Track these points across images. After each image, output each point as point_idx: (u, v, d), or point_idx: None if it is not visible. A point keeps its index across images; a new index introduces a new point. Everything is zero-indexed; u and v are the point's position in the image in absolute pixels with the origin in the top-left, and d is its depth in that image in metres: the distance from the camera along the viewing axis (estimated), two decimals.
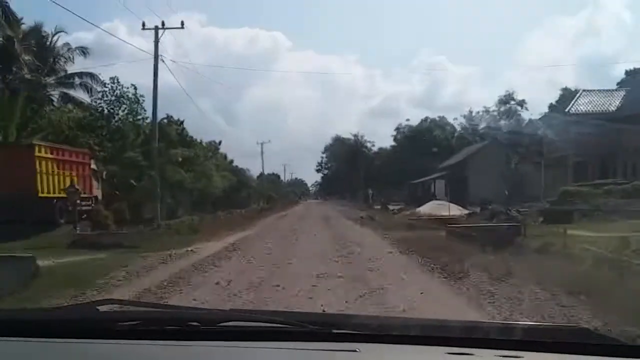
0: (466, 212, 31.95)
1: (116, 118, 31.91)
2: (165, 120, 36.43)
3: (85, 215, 22.31)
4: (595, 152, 32.77)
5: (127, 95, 31.49)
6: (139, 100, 31.41)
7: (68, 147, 24.89)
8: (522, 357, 1.55)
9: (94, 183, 24.91)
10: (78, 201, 20.89)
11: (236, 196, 55.62)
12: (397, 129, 75.55)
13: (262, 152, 71.65)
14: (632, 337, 1.70)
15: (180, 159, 29.49)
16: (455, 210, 32.43)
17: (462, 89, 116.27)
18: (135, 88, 31.73)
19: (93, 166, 24.93)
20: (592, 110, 36.68)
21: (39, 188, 21.09)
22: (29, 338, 1.75)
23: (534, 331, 1.87)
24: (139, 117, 31.39)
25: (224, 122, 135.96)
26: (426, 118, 69.15)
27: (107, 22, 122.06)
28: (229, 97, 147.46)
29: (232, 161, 54.23)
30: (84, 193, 24.10)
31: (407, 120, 75.27)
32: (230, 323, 1.82)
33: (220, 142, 50.86)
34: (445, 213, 31.62)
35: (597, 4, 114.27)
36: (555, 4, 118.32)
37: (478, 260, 11.60)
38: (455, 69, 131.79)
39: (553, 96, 74.07)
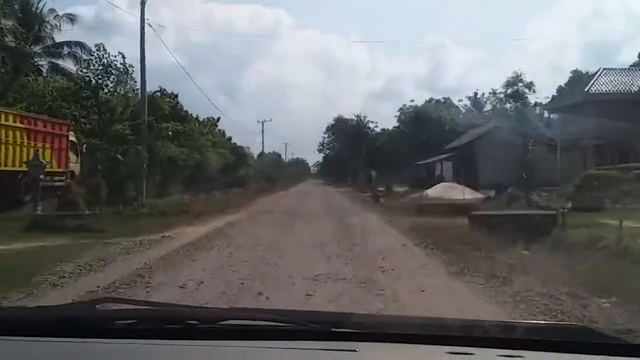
0: (480, 195, 29.44)
1: (105, 90, 29.22)
2: (158, 94, 33.80)
3: (59, 193, 19.74)
4: (617, 135, 30.08)
5: (115, 65, 28.76)
6: (127, 70, 28.66)
7: (43, 116, 22.29)
8: (524, 356, 1.51)
9: (72, 157, 22.28)
10: (42, 176, 18.28)
11: (234, 175, 53.12)
12: (401, 109, 72.66)
13: (262, 131, 68.89)
14: (633, 335, 1.68)
15: (170, 133, 26.74)
16: (467, 194, 29.94)
17: (465, 72, 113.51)
18: (124, 57, 28.92)
19: (72, 138, 22.30)
20: (613, 90, 33.88)
21: (2, 160, 18.53)
22: (26, 337, 1.70)
23: (535, 330, 1.78)
24: (128, 87, 28.66)
25: (226, 100, 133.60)
26: (430, 99, 65.97)
27: None
28: (229, 75, 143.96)
29: (230, 138, 51.56)
30: (59, 167, 21.54)
31: (412, 101, 72.40)
32: (230, 321, 1.79)
33: (218, 119, 48.19)
34: (458, 196, 29.15)
35: None
36: None
37: (523, 261, 9.09)
38: (459, 51, 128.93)
39: (560, 79, 71.67)
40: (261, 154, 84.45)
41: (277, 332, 1.72)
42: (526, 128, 45.09)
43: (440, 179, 42.44)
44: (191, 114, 37.01)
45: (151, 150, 25.89)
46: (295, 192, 51.81)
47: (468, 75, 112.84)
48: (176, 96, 34.14)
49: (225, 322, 1.78)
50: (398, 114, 73.06)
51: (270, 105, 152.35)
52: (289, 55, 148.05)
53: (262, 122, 69.16)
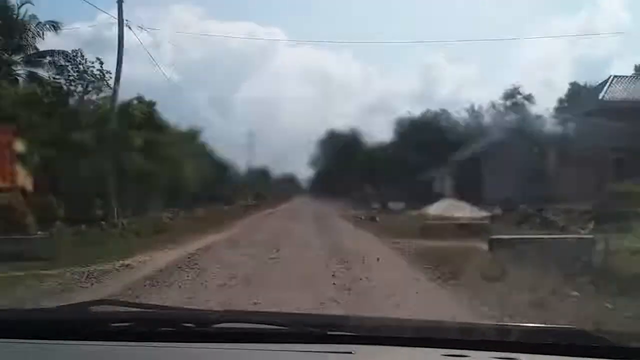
0: (485, 213, 27.09)
1: (75, 96, 26.79)
2: (135, 102, 31.34)
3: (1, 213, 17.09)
4: (637, 144, 27.84)
5: (91, 71, 26.38)
6: (104, 76, 26.23)
7: None
8: (518, 358, 1.53)
9: (20, 170, 19.65)
10: None
11: (220, 191, 50.55)
12: (396, 121, 70.45)
13: (249, 144, 66.31)
14: (628, 339, 1.68)
15: (141, 144, 24.21)
16: (472, 211, 27.64)
17: (458, 87, 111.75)
18: (101, 63, 26.57)
19: (19, 148, 19.68)
20: (628, 98, 31.78)
21: None
22: (21, 339, 1.71)
23: (530, 333, 1.80)
24: (102, 95, 26.24)
25: (217, 114, 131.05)
26: (427, 110, 63.74)
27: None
28: (222, 90, 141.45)
29: (213, 151, 48.86)
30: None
31: (408, 112, 70.08)
32: (225, 324, 1.78)
33: (201, 130, 45.55)
34: (462, 214, 26.83)
35: (594, 4, 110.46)
36: (553, 5, 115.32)
37: (585, 309, 6.64)
38: (451, 67, 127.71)
39: (552, 95, 70.48)
40: (249, 170, 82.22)
41: (273, 335, 1.70)
42: (532, 139, 42.99)
43: (441, 195, 40.15)
44: (170, 125, 34.49)
45: (118, 162, 23.36)
46: (284, 209, 49.34)
47: (460, 90, 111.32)
48: (154, 104, 31.68)
49: (221, 325, 1.76)
50: (394, 126, 70.88)
51: (261, 120, 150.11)
52: (281, 72, 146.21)
53: (249, 135, 66.49)
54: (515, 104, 70.76)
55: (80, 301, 3.08)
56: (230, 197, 56.03)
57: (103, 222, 20.03)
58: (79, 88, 27.51)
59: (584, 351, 1.57)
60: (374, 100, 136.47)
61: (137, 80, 36.89)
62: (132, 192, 26.61)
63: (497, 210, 27.16)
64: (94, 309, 2.03)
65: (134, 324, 1.78)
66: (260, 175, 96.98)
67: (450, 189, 41.24)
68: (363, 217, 29.78)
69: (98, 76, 26.01)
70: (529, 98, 71.34)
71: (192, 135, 44.73)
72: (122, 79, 25.24)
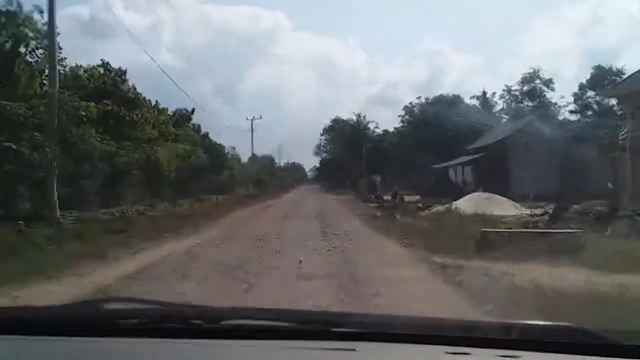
0: (535, 211, 20.84)
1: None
2: (100, 69, 25.16)
3: None
4: None
5: (28, 23, 20.22)
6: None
7: None
8: (520, 356, 1.51)
9: None
10: None
11: (215, 179, 44.54)
12: (406, 108, 63.83)
13: (252, 129, 59.91)
14: (629, 336, 1.64)
15: (93, 117, 17.98)
16: (517, 209, 21.50)
17: (464, 78, 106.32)
18: (41, 11, 20.32)
19: None
20: None
21: None
22: (32, 336, 1.69)
23: (533, 330, 1.72)
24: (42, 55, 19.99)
25: (221, 102, 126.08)
26: (440, 95, 56.18)
27: None
28: (226, 77, 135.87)
29: (206, 135, 42.42)
30: None
31: (418, 98, 63.32)
32: (233, 321, 1.76)
33: (192, 111, 39.32)
34: (504, 212, 20.68)
35: None
36: None
37: None
38: (457, 56, 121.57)
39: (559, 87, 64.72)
40: (252, 157, 76.06)
41: (279, 331, 1.69)
42: (564, 127, 36.72)
43: (464, 187, 33.91)
44: (146, 99, 28.36)
45: (65, 142, 17.28)
46: (286, 200, 43.14)
47: (466, 81, 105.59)
48: (123, 73, 25.52)
49: (229, 322, 1.74)
50: (403, 113, 64.32)
51: (266, 108, 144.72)
52: (286, 58, 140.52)
53: (252, 120, 60.13)
54: (533, 90, 64.33)
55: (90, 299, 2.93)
56: (226, 186, 50.08)
57: (22, 222, 13.92)
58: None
59: (585, 349, 1.53)
60: (380, 89, 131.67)
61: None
62: (90, 181, 20.53)
63: (528, 204, 20.90)
64: (104, 305, 1.99)
65: (143, 321, 1.74)
66: (265, 163, 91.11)
67: (471, 180, 34.92)
68: (379, 214, 23.56)
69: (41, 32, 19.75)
70: (548, 83, 64.78)
71: (181, 116, 38.75)
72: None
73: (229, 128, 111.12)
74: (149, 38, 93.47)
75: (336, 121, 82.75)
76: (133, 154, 22.60)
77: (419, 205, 27.27)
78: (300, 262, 9.59)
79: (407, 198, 35.72)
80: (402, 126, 63.85)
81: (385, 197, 40.85)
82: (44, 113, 17.38)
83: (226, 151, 47.60)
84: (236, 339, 1.68)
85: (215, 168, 38.45)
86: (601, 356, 1.53)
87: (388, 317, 2.20)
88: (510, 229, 13.89)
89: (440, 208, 24.29)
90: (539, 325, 1.85)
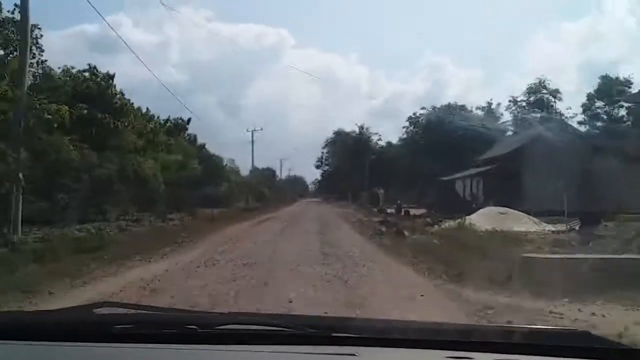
0: (553, 227, 18.54)
1: None
2: (85, 74, 23.04)
3: None
4: None
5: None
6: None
7: None
8: None
9: None
10: None
11: (212, 192, 42.23)
12: (410, 119, 61.47)
13: (252, 141, 57.81)
14: (631, 340, 1.80)
15: (63, 121, 15.69)
16: (540, 226, 19.22)
17: (464, 91, 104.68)
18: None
19: None
20: None
21: None
22: (26, 341, 1.66)
23: (533, 335, 1.72)
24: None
25: (225, 116, 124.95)
26: (448, 104, 53.45)
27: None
28: (229, 91, 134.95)
29: (203, 146, 40.15)
30: None
31: (423, 108, 61.10)
32: (229, 326, 1.72)
33: (189, 121, 37.09)
34: (525, 228, 18.41)
35: (600, 10, 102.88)
36: (559, 10, 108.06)
37: None
38: (458, 71, 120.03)
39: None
40: (253, 169, 73.80)
41: (277, 336, 1.64)
42: (578, 137, 34.46)
43: (472, 200, 31.64)
44: (134, 106, 26.13)
45: (35, 151, 15.07)
46: (286, 214, 40.84)
47: (467, 94, 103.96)
48: (111, 77, 23.36)
49: (224, 327, 1.70)
50: (407, 124, 62.05)
51: (269, 122, 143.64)
52: (289, 73, 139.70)
53: (252, 131, 58.01)
54: (539, 101, 62.11)
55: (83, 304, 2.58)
56: (223, 199, 47.74)
57: None
58: None
59: (586, 353, 1.50)
60: (381, 103, 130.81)
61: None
62: (63, 194, 18.28)
63: (574, 224, 18.62)
64: (98, 311, 1.91)
65: (138, 326, 1.71)
66: (266, 176, 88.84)
67: (480, 193, 32.66)
68: (384, 230, 21.26)
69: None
70: (555, 94, 62.60)
71: (175, 126, 36.57)
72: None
73: (229, 139, 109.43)
74: (157, 54, 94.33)
75: (338, 133, 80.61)
76: (113, 164, 20.33)
77: (428, 220, 24.93)
78: (290, 302, 7.24)
79: (412, 212, 33.46)
80: (406, 138, 61.64)
81: (388, 211, 38.64)
82: (9, 118, 15.20)
83: (225, 163, 45.30)
84: (232, 344, 1.60)
85: (211, 180, 36.14)
86: (603, 359, 1.47)
87: (388, 322, 2.14)
88: (541, 248, 11.58)
89: (451, 223, 21.94)
90: (540, 329, 1.86)
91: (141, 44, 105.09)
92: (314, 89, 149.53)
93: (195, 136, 38.06)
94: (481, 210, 22.75)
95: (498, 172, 30.24)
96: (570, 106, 59.54)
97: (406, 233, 18.81)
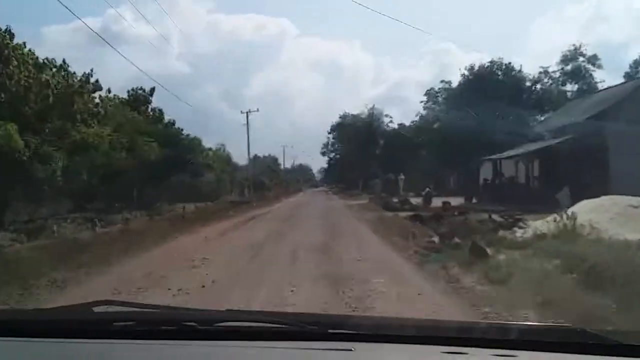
0: None
1: None
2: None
3: None
4: None
5: None
6: None
7: None
8: (517, 356, 1.44)
9: None
10: None
11: (197, 183, 33.36)
12: (428, 93, 51.65)
13: (247, 124, 48.45)
14: (627, 336, 1.62)
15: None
16: None
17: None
18: None
19: None
20: None
21: None
22: (24, 338, 1.62)
23: (529, 331, 1.70)
24: None
25: (229, 105, 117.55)
26: (492, 62, 41.50)
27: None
28: (233, 81, 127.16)
29: (170, 124, 30.16)
30: None
31: (442, 81, 51.34)
32: (227, 323, 1.68)
33: (152, 91, 27.88)
34: None
35: None
36: None
37: None
38: (463, 55, 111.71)
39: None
40: (250, 157, 64.80)
41: (275, 333, 1.61)
42: None
43: (534, 186, 22.46)
44: (53, 62, 17.33)
45: None
46: (284, 209, 31.75)
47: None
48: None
49: (223, 324, 1.67)
50: (424, 98, 52.27)
51: (272, 111, 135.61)
52: (293, 63, 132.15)
53: (247, 113, 48.71)
54: (577, 70, 52.36)
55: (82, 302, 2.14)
56: (214, 191, 38.87)
57: None
58: None
59: (582, 348, 1.46)
60: (386, 90, 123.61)
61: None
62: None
63: None
64: (97, 308, 1.83)
65: (137, 323, 1.67)
66: (267, 164, 79.86)
67: (546, 176, 23.27)
68: (435, 240, 12.06)
69: None
70: (593, 60, 52.80)
71: (134, 97, 27.57)
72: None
73: (231, 129, 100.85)
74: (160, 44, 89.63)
75: (345, 117, 70.99)
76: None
77: (496, 219, 15.69)
78: None
79: (447, 201, 24.33)
80: (425, 115, 52.01)
81: (413, 201, 29.58)
82: None
83: (207, 148, 35.96)
84: (230, 340, 1.57)
85: (182, 167, 26.89)
86: (599, 355, 1.45)
87: (385, 318, 2.13)
88: None
89: (540, 225, 12.85)
90: (537, 325, 1.92)
91: (146, 35, 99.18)
92: (317, 77, 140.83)
93: (160, 110, 28.85)
94: (587, 202, 13.50)
95: (572, 147, 20.94)
96: (604, 79, 49.91)
97: (488, 250, 9.63)
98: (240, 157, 57.56)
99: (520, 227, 13.38)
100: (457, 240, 11.56)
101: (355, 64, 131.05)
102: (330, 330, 1.59)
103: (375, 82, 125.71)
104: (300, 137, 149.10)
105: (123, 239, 13.70)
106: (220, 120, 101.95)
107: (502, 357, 1.43)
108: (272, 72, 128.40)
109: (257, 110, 55.22)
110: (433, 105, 50.39)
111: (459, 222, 16.62)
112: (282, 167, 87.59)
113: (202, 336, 1.60)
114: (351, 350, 1.49)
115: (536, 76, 40.37)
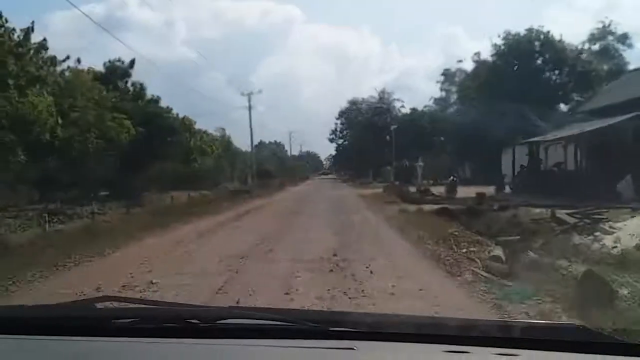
0: None
1: None
2: None
3: None
4: None
5: None
6: None
7: None
8: (519, 354, 1.40)
9: None
10: None
11: (183, 169, 29.54)
12: (446, 73, 47.27)
13: (249, 107, 44.52)
14: (629, 334, 1.55)
15: None
16: None
17: None
18: None
19: None
20: None
21: None
22: (26, 335, 1.59)
23: (531, 329, 1.61)
24: None
25: (234, 92, 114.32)
26: (531, 29, 34.58)
27: None
28: (240, 68, 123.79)
29: (154, 100, 26.00)
30: None
31: (459, 61, 47.06)
32: (230, 320, 1.64)
33: (132, 63, 23.87)
34: None
35: None
36: None
37: None
38: (473, 43, 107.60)
39: None
40: (258, 144, 61.02)
41: (277, 331, 1.58)
42: None
43: (581, 173, 18.42)
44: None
45: None
46: (288, 199, 27.98)
47: None
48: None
49: (225, 321, 1.62)
50: (442, 78, 47.99)
51: (279, 97, 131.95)
52: (300, 50, 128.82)
53: (249, 95, 44.77)
54: (605, 49, 47.79)
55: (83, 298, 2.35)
56: (212, 178, 35.12)
57: None
58: None
59: (585, 347, 1.42)
60: (394, 77, 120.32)
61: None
62: None
63: None
64: (99, 305, 1.80)
65: (139, 320, 1.62)
66: (273, 151, 76.00)
67: (608, 163, 18.92)
68: (488, 255, 8.23)
69: None
70: (623, 39, 48.16)
71: (111, 69, 23.72)
72: None
73: (238, 117, 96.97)
74: (167, 31, 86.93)
75: (354, 102, 66.81)
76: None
77: (562, 217, 11.68)
78: None
79: (475, 191, 20.43)
80: (443, 97, 47.76)
81: (434, 191, 25.68)
82: None
83: (200, 130, 31.79)
84: (233, 338, 1.55)
85: (165, 150, 22.92)
86: (601, 354, 1.40)
87: (386, 316, 2.09)
88: None
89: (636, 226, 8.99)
90: (539, 324, 1.82)
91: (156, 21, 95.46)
92: (326, 65, 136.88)
93: (141, 85, 24.76)
94: None
95: (637, 126, 16.82)
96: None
97: (615, 288, 5.76)
98: (246, 144, 53.72)
99: (607, 232, 9.48)
100: (531, 254, 7.71)
101: (363, 52, 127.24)
102: (331, 328, 1.56)
103: (382, 70, 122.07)
104: (308, 124, 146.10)
105: (60, 242, 9.99)
106: (227, 106, 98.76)
107: (504, 356, 1.38)
108: (279, 59, 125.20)
109: (260, 91, 51.15)
110: (449, 87, 46.25)
111: (506, 220, 12.77)
112: (289, 154, 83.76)
113: (205, 334, 1.56)
114: (353, 348, 1.45)
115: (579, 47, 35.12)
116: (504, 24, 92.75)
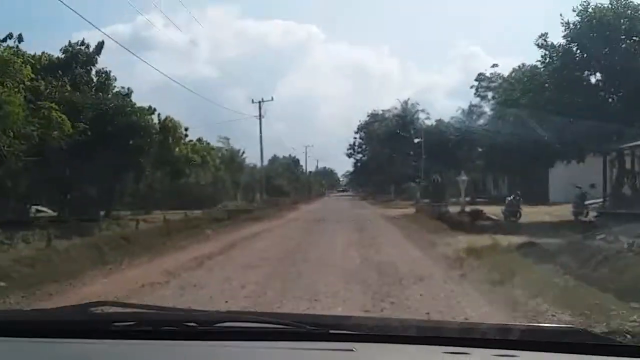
0: None
1: None
2: None
3: None
4: None
5: None
6: None
7: None
8: (518, 356, 1.37)
9: None
10: None
11: (190, 186, 23.70)
12: (480, 77, 40.85)
13: (260, 116, 38.63)
14: (627, 336, 1.49)
15: None
16: None
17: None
18: None
19: None
20: None
21: None
22: (23, 338, 1.54)
23: (530, 332, 1.59)
24: None
25: (254, 109, 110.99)
26: (601, 6, 26.15)
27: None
28: (261, 86, 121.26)
29: (127, 94, 19.51)
30: None
31: (493, 66, 40.79)
32: (227, 324, 1.60)
33: (100, 48, 17.94)
34: None
35: None
36: None
37: None
38: (492, 61, 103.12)
39: None
40: (272, 159, 55.13)
41: (275, 333, 1.53)
42: None
43: None
44: None
45: None
46: (299, 221, 21.84)
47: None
48: None
49: (223, 324, 1.58)
50: (475, 84, 41.58)
51: (298, 115, 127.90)
52: (320, 69, 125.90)
53: (260, 102, 38.88)
54: None
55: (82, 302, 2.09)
56: (212, 196, 29.18)
57: None
58: None
59: (583, 349, 1.39)
60: (413, 93, 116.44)
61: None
62: None
63: None
64: (96, 309, 1.75)
65: (137, 324, 1.58)
66: (286, 166, 70.04)
67: None
68: None
69: None
70: None
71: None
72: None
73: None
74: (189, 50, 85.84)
75: (374, 115, 60.62)
76: None
77: None
78: None
79: (545, 212, 14.01)
80: (479, 104, 41.35)
81: (486, 213, 19.35)
82: None
83: (188, 137, 25.34)
84: (231, 341, 1.50)
85: (127, 155, 16.68)
86: (600, 355, 1.38)
87: (386, 319, 2.08)
88: None
89: None
90: (538, 326, 1.85)
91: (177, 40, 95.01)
92: (345, 84, 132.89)
93: (106, 74, 18.68)
94: None
95: None
96: None
97: None
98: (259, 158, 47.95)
99: None
100: None
101: (381, 69, 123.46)
102: (330, 331, 1.52)
103: (401, 87, 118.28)
104: (325, 141, 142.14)
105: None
106: (248, 122, 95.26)
107: (504, 357, 1.37)
108: (299, 76, 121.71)
109: (272, 99, 45.34)
110: (485, 92, 39.96)
111: None
112: (304, 169, 77.71)
113: (203, 337, 1.52)
114: (352, 350, 1.42)
115: None
116: (518, 42, 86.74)
